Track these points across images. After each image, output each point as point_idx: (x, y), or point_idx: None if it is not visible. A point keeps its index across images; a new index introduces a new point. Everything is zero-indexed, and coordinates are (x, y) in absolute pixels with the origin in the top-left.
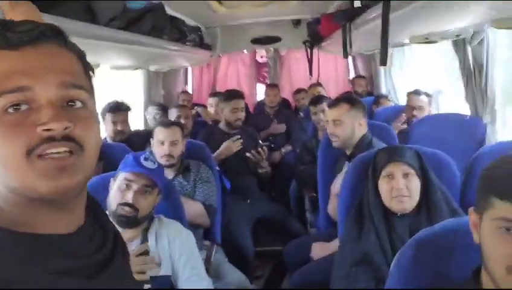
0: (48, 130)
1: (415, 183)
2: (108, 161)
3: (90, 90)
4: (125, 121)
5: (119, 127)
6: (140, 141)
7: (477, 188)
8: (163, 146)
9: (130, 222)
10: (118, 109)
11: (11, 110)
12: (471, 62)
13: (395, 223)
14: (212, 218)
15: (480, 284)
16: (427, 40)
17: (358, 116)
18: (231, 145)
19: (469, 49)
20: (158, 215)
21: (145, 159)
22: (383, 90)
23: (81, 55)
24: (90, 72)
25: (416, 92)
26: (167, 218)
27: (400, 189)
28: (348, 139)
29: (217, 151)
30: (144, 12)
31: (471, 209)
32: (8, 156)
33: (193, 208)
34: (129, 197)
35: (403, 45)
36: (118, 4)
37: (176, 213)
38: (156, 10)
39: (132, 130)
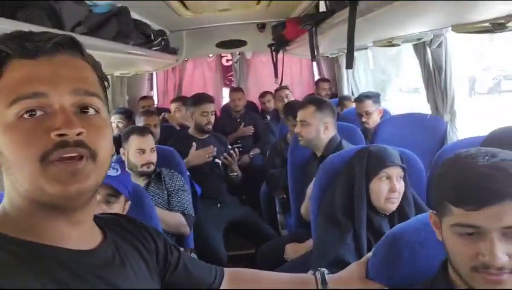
0: (61, 135)
1: (403, 185)
2: None
3: (104, 98)
4: None
5: None
6: None
7: (432, 194)
8: (144, 154)
9: None
10: None
11: (26, 116)
12: (431, 64)
13: (379, 223)
14: (191, 226)
15: (448, 275)
16: (390, 43)
17: (325, 118)
18: (201, 155)
19: (429, 51)
20: None
21: None
22: (346, 92)
23: (95, 65)
24: (105, 82)
25: (362, 97)
26: None
27: (397, 191)
28: (313, 139)
29: (187, 158)
30: (109, 17)
31: (430, 212)
32: (23, 161)
33: (174, 219)
34: None
35: (366, 48)
36: (83, 9)
37: (148, 219)
38: (121, 14)
39: None
